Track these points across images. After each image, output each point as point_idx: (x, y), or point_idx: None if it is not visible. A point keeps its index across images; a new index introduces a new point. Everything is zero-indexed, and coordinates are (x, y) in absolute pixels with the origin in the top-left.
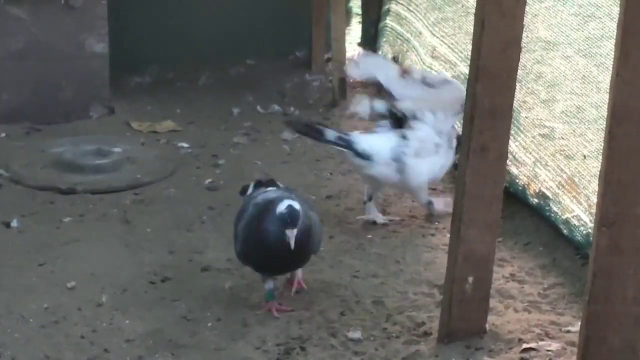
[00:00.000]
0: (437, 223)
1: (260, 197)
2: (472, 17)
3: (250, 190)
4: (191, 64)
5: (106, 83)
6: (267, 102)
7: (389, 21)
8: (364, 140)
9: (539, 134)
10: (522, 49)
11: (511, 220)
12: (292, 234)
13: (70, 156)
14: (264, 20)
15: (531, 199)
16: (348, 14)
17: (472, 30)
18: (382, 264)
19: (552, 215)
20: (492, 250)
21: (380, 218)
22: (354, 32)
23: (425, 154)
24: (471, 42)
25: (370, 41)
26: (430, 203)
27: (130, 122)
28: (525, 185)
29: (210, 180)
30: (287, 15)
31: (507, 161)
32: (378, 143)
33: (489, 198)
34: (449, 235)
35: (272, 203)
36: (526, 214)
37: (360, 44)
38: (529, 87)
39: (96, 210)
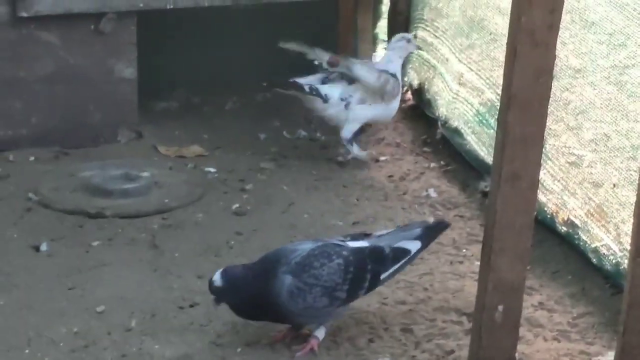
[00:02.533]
0: (464, 250)
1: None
2: (499, 44)
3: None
4: (218, 89)
5: (134, 108)
6: (294, 127)
7: None
8: (325, 88)
9: (567, 162)
10: (553, 78)
11: (539, 247)
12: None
13: (98, 180)
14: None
15: (560, 227)
16: (374, 40)
17: (499, 57)
18: (410, 291)
19: (581, 243)
20: (523, 279)
21: (360, 153)
22: (380, 58)
23: (371, 101)
24: (498, 68)
25: None
26: (350, 142)
27: (157, 147)
28: (554, 213)
29: (237, 205)
30: (313, 41)
31: None
32: (332, 89)
33: (520, 227)
34: (477, 263)
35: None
36: (554, 241)
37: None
38: (557, 115)
39: (125, 234)
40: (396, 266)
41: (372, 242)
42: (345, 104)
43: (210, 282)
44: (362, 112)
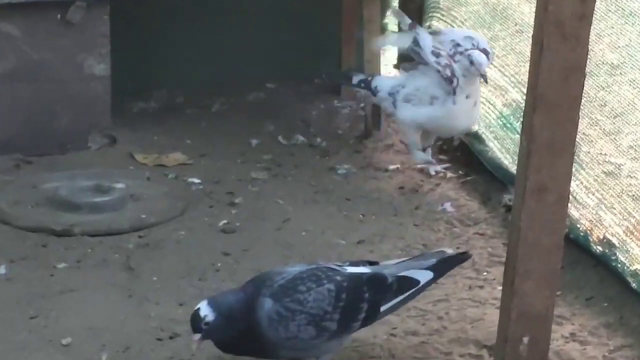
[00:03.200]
0: (485, 274)
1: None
2: (525, 36)
3: None
4: (204, 88)
5: (107, 109)
6: (290, 132)
7: None
8: (377, 80)
9: (603, 172)
10: (585, 76)
11: (571, 271)
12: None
13: (65, 193)
14: (286, 38)
15: (594, 247)
16: (383, 31)
17: (525, 51)
18: (423, 320)
19: (619, 265)
20: (551, 306)
21: (422, 157)
22: (390, 52)
23: (416, 101)
24: (524, 65)
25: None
26: (412, 146)
27: (134, 154)
28: (588, 231)
29: (225, 221)
30: (313, 33)
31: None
32: (383, 82)
33: (548, 246)
34: (500, 288)
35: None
36: (589, 264)
37: (396, 66)
38: (591, 118)
39: (95, 255)
40: (400, 297)
41: (375, 270)
42: (392, 101)
43: (197, 316)
44: (406, 113)
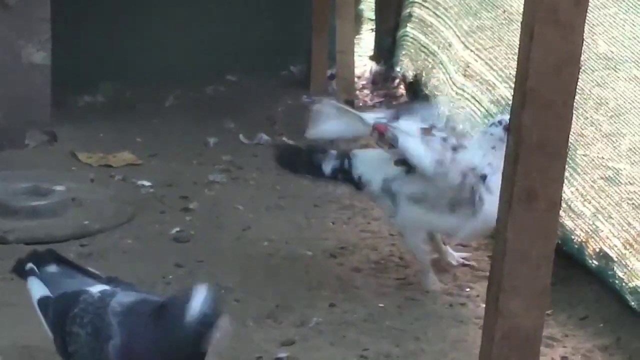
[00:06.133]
0: (468, 290)
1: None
2: (516, 26)
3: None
4: (156, 80)
5: (47, 103)
6: (253, 130)
7: (410, 29)
8: (358, 161)
9: (601, 177)
10: (580, 69)
11: (564, 287)
12: None
13: (0, 196)
14: (250, 26)
15: (590, 261)
16: (358, 19)
17: (515, 43)
18: (398, 340)
19: (617, 282)
20: (540, 327)
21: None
22: (366, 42)
23: (429, 205)
24: (515, 58)
25: (385, 54)
26: (419, 253)
27: (76, 153)
28: (583, 243)
29: (178, 229)
30: (281, 20)
31: (560, 212)
32: (368, 165)
33: (537, 259)
34: (484, 306)
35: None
36: (583, 280)
37: (373, 58)
38: (587, 117)
39: None
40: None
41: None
42: (390, 200)
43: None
44: (416, 220)
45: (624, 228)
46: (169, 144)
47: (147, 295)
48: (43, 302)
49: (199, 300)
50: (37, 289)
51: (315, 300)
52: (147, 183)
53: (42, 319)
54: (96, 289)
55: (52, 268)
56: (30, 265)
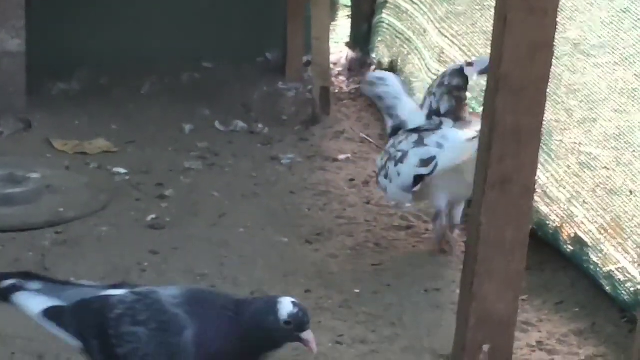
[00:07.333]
0: (443, 275)
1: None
2: (490, 12)
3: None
4: (132, 66)
5: (22, 90)
6: (229, 117)
7: (385, 16)
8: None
9: (576, 162)
10: (554, 54)
11: (538, 272)
12: None
13: None
14: (226, 12)
15: (564, 246)
16: (334, 6)
17: (490, 29)
18: (373, 326)
19: (592, 267)
20: (514, 312)
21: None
22: (341, 29)
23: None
24: (489, 44)
25: (361, 41)
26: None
27: (51, 140)
28: (558, 228)
29: (153, 216)
30: (256, 6)
31: (535, 197)
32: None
33: (511, 244)
34: (459, 291)
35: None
36: (558, 265)
37: (349, 45)
38: (562, 103)
39: (6, 253)
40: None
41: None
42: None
43: None
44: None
45: (598, 213)
46: (144, 131)
47: (185, 285)
48: (53, 312)
49: (289, 303)
50: (35, 301)
51: (291, 286)
52: (122, 170)
53: (53, 330)
54: (115, 292)
55: (36, 285)
56: (10, 282)
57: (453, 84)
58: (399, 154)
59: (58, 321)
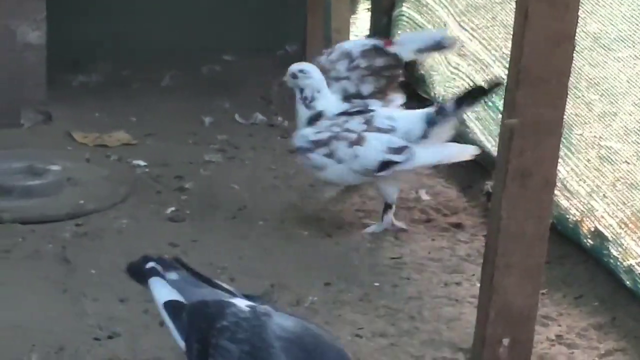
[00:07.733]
0: (463, 268)
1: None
2: (511, 5)
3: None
4: (152, 59)
5: (42, 82)
6: (248, 109)
7: (405, 8)
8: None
9: (597, 156)
10: (575, 48)
11: (558, 266)
12: None
13: None
14: (246, 5)
15: (585, 240)
16: None
17: (511, 23)
18: (393, 319)
19: (612, 261)
20: (534, 305)
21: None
22: (361, 22)
23: None
24: (510, 37)
25: (381, 33)
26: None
27: (72, 133)
28: (578, 222)
29: (173, 208)
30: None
31: (555, 191)
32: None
33: (531, 238)
34: (479, 285)
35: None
36: (578, 259)
37: (369, 37)
38: (583, 96)
39: (27, 245)
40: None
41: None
42: None
43: None
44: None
45: (618, 207)
46: (164, 124)
47: (305, 323)
48: (173, 306)
49: None
50: (163, 291)
51: (311, 279)
52: (142, 163)
53: (169, 324)
54: (241, 302)
55: (174, 275)
56: (152, 264)
57: (377, 65)
58: (353, 135)
59: (174, 317)
